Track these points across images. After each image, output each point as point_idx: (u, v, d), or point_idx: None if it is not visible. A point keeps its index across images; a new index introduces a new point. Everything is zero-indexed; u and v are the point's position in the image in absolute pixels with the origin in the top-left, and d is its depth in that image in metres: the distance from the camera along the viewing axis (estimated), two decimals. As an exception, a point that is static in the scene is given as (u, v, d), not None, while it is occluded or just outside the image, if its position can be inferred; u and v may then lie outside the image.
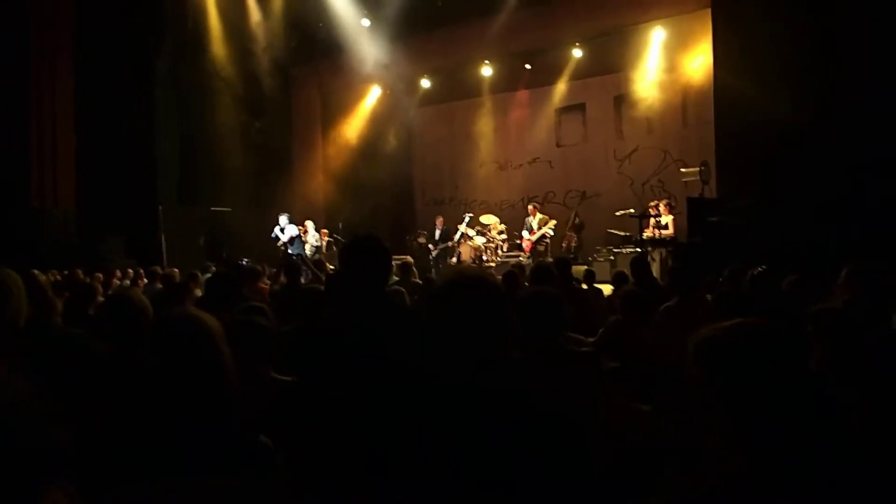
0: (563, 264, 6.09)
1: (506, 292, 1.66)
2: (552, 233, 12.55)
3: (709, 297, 4.70)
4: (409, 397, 1.60)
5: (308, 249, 12.68)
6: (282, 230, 12.68)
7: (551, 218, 12.88)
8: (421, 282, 6.76)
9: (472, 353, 1.50)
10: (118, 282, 7.70)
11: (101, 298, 4.68)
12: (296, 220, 12.93)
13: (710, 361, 1.38)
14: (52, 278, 6.64)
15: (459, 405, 1.45)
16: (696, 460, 1.57)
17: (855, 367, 2.56)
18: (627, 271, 7.00)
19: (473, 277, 1.58)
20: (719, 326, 1.40)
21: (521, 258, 12.24)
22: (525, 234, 12.80)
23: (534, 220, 12.71)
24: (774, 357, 1.34)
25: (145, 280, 7.43)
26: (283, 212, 12.93)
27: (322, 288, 4.17)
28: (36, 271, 4.82)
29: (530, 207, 13.05)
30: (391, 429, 1.62)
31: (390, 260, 2.57)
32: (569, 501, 1.46)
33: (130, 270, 8.51)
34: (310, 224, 13.09)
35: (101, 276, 6.79)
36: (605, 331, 4.33)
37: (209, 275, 6.15)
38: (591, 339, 4.22)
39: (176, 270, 7.10)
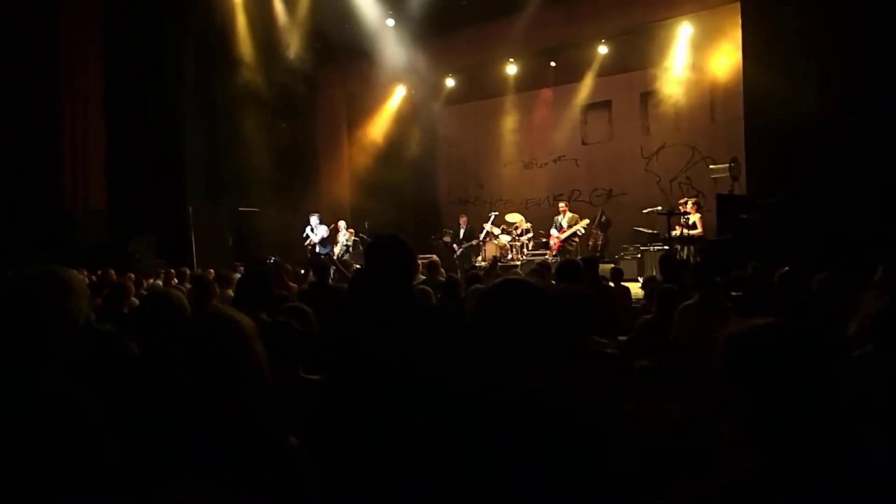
0: (591, 263, 6.06)
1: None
2: (583, 231, 12.45)
3: (733, 293, 4.65)
4: (433, 398, 1.61)
5: (339, 249, 12.84)
6: (312, 230, 12.86)
7: (581, 217, 12.74)
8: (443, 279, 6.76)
9: (521, 358, 1.53)
10: (152, 281, 7.84)
11: (133, 298, 4.77)
12: (325, 220, 13.10)
13: (736, 355, 1.39)
14: (87, 280, 6.78)
15: (500, 408, 1.47)
16: (715, 458, 1.57)
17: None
18: (654, 269, 6.95)
19: (522, 285, 1.61)
20: (752, 323, 1.41)
21: (546, 256, 12.19)
22: (554, 231, 12.71)
23: (563, 219, 12.60)
24: (799, 359, 1.34)
25: (176, 280, 7.55)
26: (313, 212, 13.10)
27: (346, 287, 4.19)
28: (74, 270, 4.91)
29: (561, 206, 12.91)
30: (414, 429, 1.62)
31: (413, 257, 2.55)
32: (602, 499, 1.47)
33: (163, 271, 8.67)
34: (342, 224, 13.26)
35: (132, 275, 6.92)
36: (638, 329, 4.30)
37: (237, 274, 6.23)
38: (621, 339, 4.21)
39: (211, 271, 7.20)
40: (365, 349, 2.38)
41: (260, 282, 3.44)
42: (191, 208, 12.42)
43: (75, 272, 1.89)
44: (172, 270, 8.18)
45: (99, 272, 7.73)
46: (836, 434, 1.30)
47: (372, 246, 2.58)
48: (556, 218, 12.80)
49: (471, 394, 1.53)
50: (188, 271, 8.03)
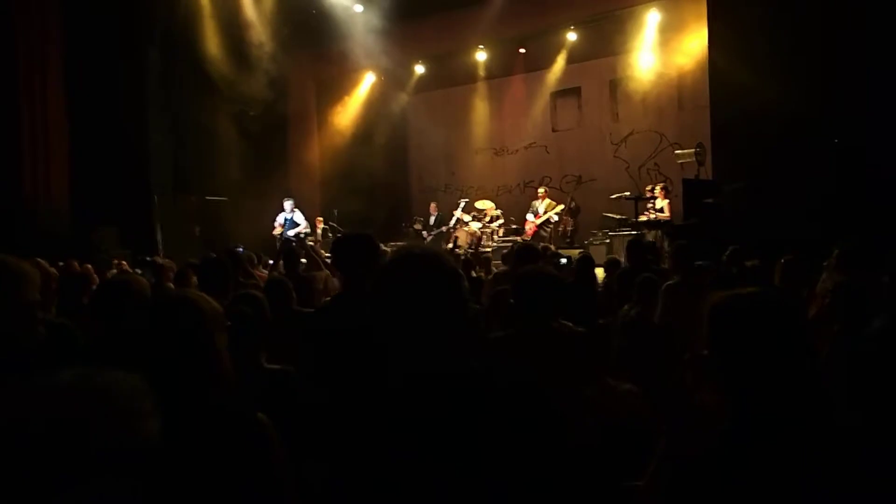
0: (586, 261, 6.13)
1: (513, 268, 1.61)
2: (556, 218, 12.56)
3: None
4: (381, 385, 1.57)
5: (298, 231, 12.75)
6: (289, 219, 12.79)
7: (556, 204, 12.84)
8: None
9: (422, 335, 1.42)
10: (114, 271, 7.71)
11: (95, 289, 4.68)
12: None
13: (720, 320, 1.45)
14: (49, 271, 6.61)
15: (417, 392, 1.42)
16: (686, 431, 1.61)
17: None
18: (623, 254, 7.03)
19: (420, 255, 1.51)
20: (735, 292, 1.48)
21: (517, 242, 12.24)
22: (530, 216, 12.80)
23: (541, 205, 12.70)
24: (778, 322, 1.41)
25: (139, 271, 7.43)
26: (287, 197, 12.98)
27: (285, 279, 4.17)
28: (40, 260, 4.80)
29: (540, 191, 13.01)
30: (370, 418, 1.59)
31: (376, 246, 2.59)
32: (552, 483, 1.48)
33: (124, 262, 8.52)
34: (287, 204, 13.05)
35: (90, 266, 6.81)
36: (621, 320, 4.32)
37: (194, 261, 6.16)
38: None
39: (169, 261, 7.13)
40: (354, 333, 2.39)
41: (222, 269, 3.39)
42: (155, 198, 12.21)
43: (26, 262, 1.85)
44: (116, 261, 8.08)
45: (61, 263, 7.56)
46: (809, 399, 1.35)
47: (336, 243, 2.62)
48: (533, 203, 12.91)
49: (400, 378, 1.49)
50: (159, 260, 7.90)
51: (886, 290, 3.22)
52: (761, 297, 1.46)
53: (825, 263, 3.66)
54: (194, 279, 5.54)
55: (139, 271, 6.90)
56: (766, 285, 4.02)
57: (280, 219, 12.84)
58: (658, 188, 11.09)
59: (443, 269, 1.47)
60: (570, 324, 3.18)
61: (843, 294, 2.86)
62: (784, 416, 1.34)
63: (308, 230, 12.90)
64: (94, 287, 4.78)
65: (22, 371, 1.68)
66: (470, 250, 11.91)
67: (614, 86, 14.16)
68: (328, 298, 5.50)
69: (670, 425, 1.52)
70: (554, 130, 15.20)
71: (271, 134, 14.91)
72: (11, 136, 11.04)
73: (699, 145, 10.02)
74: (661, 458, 1.54)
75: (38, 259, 4.20)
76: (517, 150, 15.52)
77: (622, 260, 6.73)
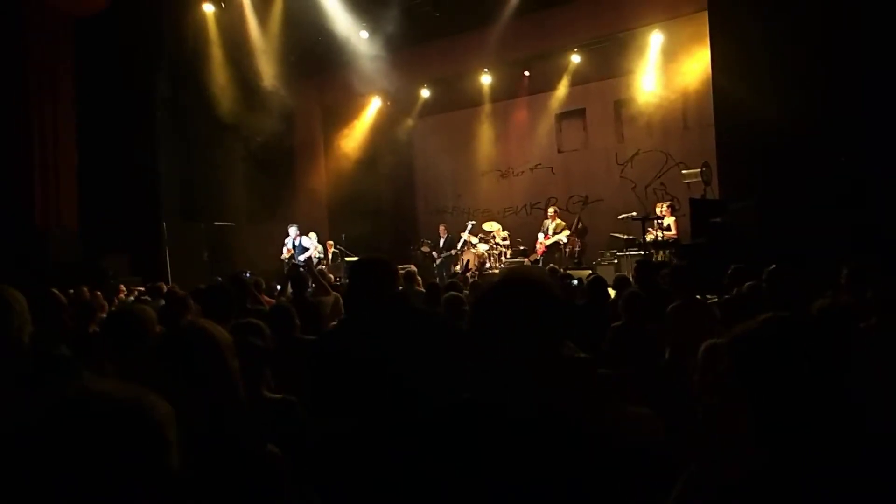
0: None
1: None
2: (565, 241, 12.56)
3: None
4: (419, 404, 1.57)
5: (310, 254, 12.81)
6: (296, 244, 12.87)
7: (566, 226, 12.87)
8: (424, 290, 6.76)
9: (521, 362, 1.42)
10: (123, 297, 7.74)
11: (103, 315, 4.70)
12: (302, 233, 13.07)
13: (745, 354, 1.41)
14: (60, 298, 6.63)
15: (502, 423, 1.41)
16: (706, 457, 1.58)
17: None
18: (631, 275, 7.01)
19: (526, 278, 1.51)
20: (753, 321, 1.44)
21: (525, 262, 12.24)
22: (540, 236, 12.83)
23: (551, 225, 12.73)
24: (807, 346, 1.38)
25: (148, 298, 7.45)
26: (291, 223, 13.08)
27: (289, 306, 4.17)
28: (55, 291, 4.82)
29: (550, 211, 13.04)
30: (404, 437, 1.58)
31: (395, 273, 2.61)
32: None
33: (135, 288, 8.55)
34: (313, 235, 13.22)
35: (99, 293, 6.84)
36: (609, 337, 4.34)
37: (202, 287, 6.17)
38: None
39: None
40: (358, 359, 2.38)
41: (227, 296, 3.39)
42: (165, 224, 12.29)
43: (17, 292, 1.85)
44: (133, 288, 8.11)
45: (72, 291, 7.59)
46: (846, 423, 1.32)
47: (354, 267, 2.63)
48: (545, 222, 12.94)
49: (458, 401, 1.49)
50: (165, 287, 7.92)
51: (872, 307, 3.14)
52: (780, 323, 1.42)
53: (839, 278, 3.63)
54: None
55: (148, 298, 6.93)
56: (775, 306, 3.99)
57: (288, 243, 12.93)
58: (665, 206, 11.09)
59: (556, 299, 1.49)
60: (574, 346, 3.17)
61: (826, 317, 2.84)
62: (816, 440, 1.31)
63: (320, 255, 12.96)
64: (104, 314, 4.81)
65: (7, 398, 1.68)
66: (476, 272, 11.92)
67: (619, 106, 14.23)
68: (335, 323, 5.50)
69: (698, 454, 1.49)
70: (559, 152, 15.25)
71: (278, 159, 15.03)
72: (23, 164, 11.18)
73: (705, 165, 10.03)
74: (688, 487, 1.51)
75: (54, 290, 4.20)
76: (523, 172, 15.57)
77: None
